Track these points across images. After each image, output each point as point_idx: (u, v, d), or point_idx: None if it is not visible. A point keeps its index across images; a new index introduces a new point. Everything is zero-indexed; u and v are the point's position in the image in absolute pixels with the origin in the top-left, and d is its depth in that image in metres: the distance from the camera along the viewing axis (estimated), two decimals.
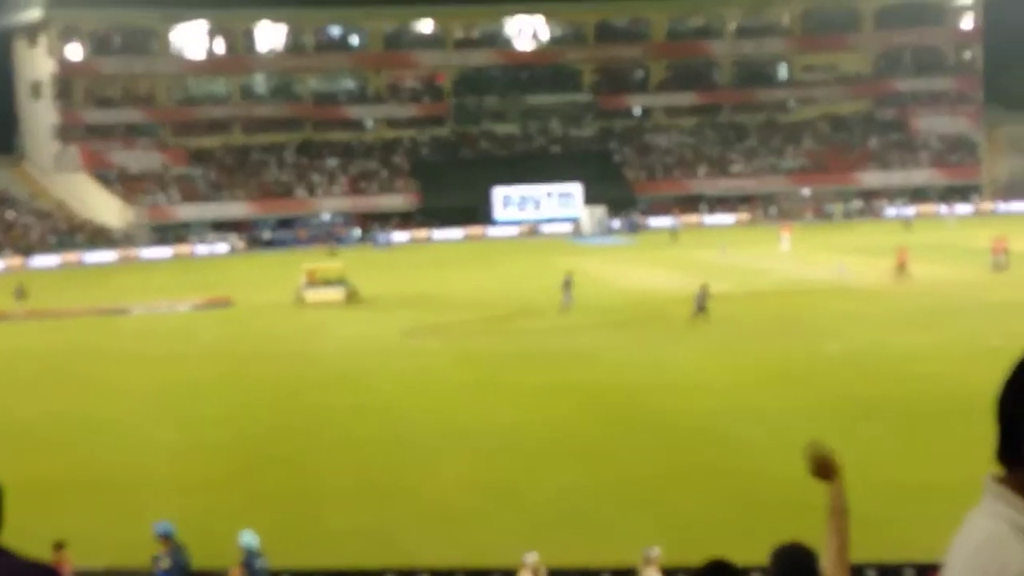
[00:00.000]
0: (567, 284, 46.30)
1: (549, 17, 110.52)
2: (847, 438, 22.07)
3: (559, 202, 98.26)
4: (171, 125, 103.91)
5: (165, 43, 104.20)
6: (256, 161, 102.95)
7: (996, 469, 2.42)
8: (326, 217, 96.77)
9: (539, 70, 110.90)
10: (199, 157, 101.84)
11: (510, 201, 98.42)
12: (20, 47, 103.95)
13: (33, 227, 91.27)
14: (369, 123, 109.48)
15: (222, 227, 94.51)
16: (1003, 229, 60.05)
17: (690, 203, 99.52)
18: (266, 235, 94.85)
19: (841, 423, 24.58)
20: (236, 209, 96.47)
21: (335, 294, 53.18)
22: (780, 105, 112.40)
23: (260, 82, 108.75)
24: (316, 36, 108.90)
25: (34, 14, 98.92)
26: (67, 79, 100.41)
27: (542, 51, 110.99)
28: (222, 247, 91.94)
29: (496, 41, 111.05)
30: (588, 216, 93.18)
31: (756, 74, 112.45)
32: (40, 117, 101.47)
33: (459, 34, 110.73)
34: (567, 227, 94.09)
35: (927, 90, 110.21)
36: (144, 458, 25.29)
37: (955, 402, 25.33)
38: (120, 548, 18.40)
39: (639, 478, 21.91)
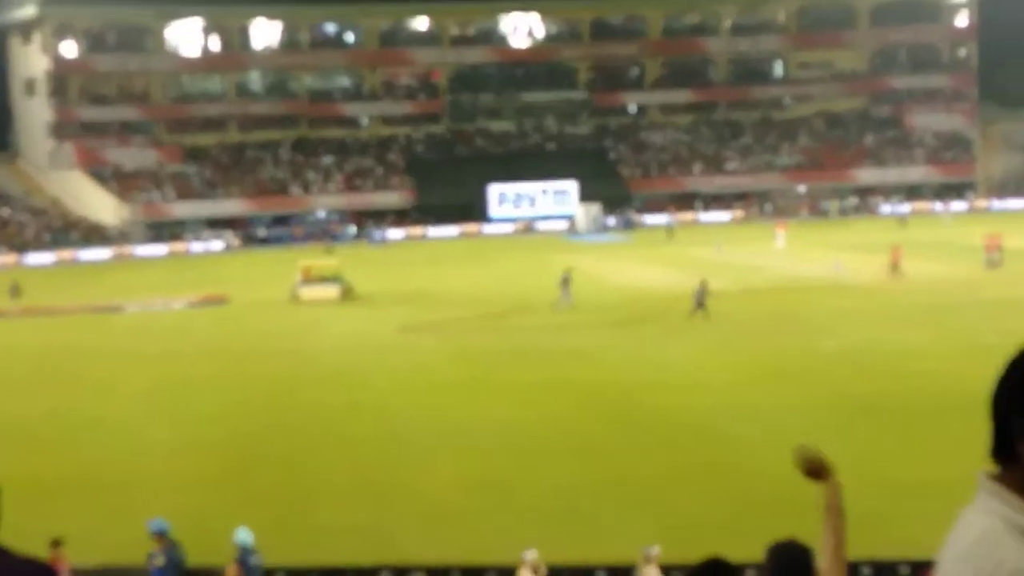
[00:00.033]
0: (565, 281, 46.23)
1: (544, 14, 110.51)
2: (843, 435, 22.12)
3: (554, 199, 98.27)
4: (166, 122, 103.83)
5: (160, 40, 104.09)
6: (251, 158, 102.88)
7: (990, 466, 2.42)
8: (321, 214, 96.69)
9: (535, 67, 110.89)
10: (194, 154, 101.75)
11: (505, 198, 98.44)
12: (15, 44, 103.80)
13: (28, 224, 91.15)
14: (364, 120, 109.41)
15: (217, 224, 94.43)
16: (997, 226, 60.14)
17: (685, 200, 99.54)
18: (261, 232, 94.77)
19: (837, 420, 24.61)
20: (231, 206, 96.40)
21: (330, 291, 53.14)
22: (776, 102, 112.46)
23: (255, 79, 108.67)
24: (311, 33, 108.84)
25: (29, 11, 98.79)
26: (62, 76, 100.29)
27: (538, 48, 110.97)
28: (217, 245, 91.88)
29: (492, 38, 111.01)
30: (583, 213, 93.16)
31: (752, 71, 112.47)
32: (35, 114, 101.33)
33: (455, 31, 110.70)
34: (562, 224, 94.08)
35: (922, 87, 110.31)
36: (139, 455, 25.28)
37: (950, 399, 25.35)
38: (115, 546, 18.39)
39: (635, 476, 21.92)
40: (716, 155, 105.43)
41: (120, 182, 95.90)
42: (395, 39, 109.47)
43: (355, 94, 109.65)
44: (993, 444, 2.41)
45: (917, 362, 31.25)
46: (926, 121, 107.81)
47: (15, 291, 54.97)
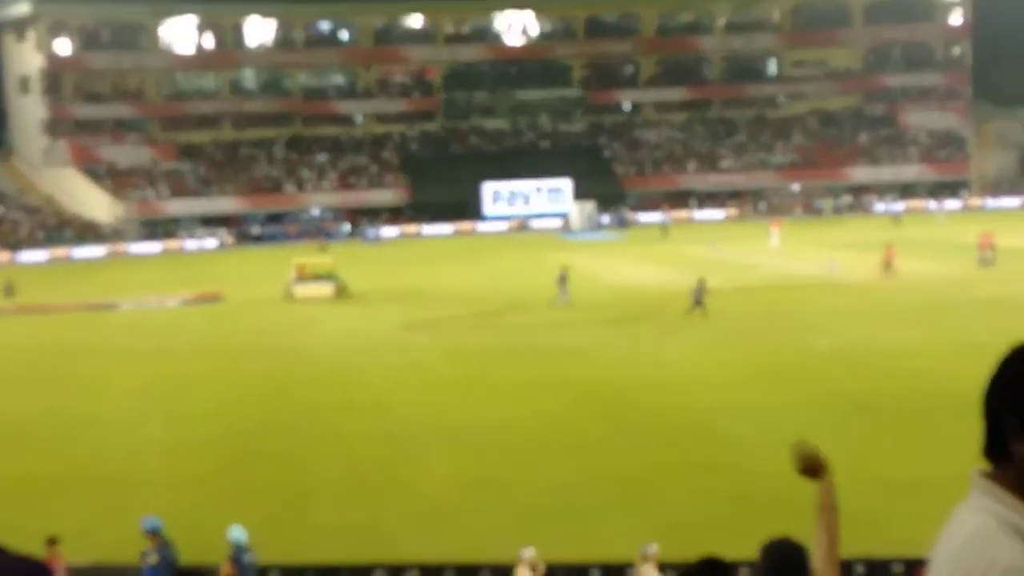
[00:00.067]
0: (562, 279, 46.19)
1: (539, 12, 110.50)
2: (837, 434, 22.13)
3: (548, 197, 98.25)
4: (160, 120, 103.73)
5: (154, 38, 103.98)
6: (245, 156, 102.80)
7: (983, 465, 2.43)
8: (315, 212, 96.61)
9: (529, 65, 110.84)
10: (188, 152, 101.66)
11: (499, 196, 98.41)
12: (8, 42, 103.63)
13: (21, 222, 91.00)
14: (359, 118, 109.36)
15: (211, 222, 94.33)
16: (991, 225, 60.23)
17: (680, 198, 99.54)
18: (255, 230, 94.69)
19: (831, 418, 24.64)
20: (225, 204, 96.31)
21: (324, 289, 53.12)
22: (770, 100, 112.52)
23: (249, 77, 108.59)
24: (306, 31, 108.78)
25: (22, 8, 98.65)
26: (56, 74, 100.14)
27: (532, 46, 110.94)
28: (211, 242, 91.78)
29: (486, 36, 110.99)
30: (577, 211, 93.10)
31: (746, 69, 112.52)
32: (28, 112, 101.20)
33: (449, 29, 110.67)
34: (557, 223, 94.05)
35: (916, 86, 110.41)
36: (132, 453, 25.26)
37: (943, 397, 25.39)
38: (108, 544, 18.37)
39: (630, 474, 21.93)
40: (710, 153, 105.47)
41: (114, 180, 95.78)
42: (389, 37, 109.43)
43: (349, 92, 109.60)
44: (986, 442, 2.42)
45: (910, 360, 31.30)
46: (920, 119, 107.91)
47: (9, 289, 54.93)
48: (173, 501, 20.44)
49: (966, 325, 36.11)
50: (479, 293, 51.72)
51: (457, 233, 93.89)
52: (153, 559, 15.34)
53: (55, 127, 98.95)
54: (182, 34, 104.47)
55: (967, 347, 31.10)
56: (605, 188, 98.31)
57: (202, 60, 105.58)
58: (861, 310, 41.45)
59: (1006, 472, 2.37)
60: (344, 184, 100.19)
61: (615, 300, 47.22)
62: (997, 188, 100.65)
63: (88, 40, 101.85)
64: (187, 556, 15.84)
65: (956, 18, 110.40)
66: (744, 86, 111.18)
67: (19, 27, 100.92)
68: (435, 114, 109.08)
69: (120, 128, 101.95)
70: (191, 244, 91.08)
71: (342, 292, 53.17)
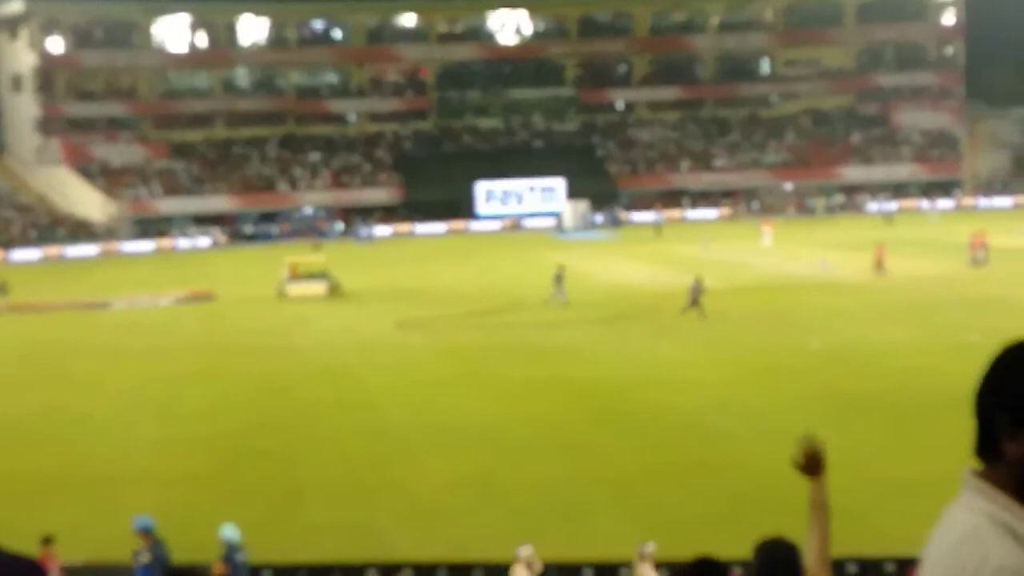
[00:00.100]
0: (558, 278, 46.13)
1: (532, 11, 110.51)
2: (829, 433, 22.09)
3: (542, 196, 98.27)
4: (153, 118, 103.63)
5: (147, 36, 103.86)
6: (238, 155, 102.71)
7: (975, 464, 2.44)
8: (308, 211, 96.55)
9: (522, 64, 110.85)
10: (181, 151, 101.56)
11: (493, 195, 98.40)
12: (1, 40, 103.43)
13: (14, 221, 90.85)
14: (352, 117, 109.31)
15: (204, 221, 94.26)
16: (983, 224, 60.32)
17: (673, 198, 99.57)
18: (248, 229, 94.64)
19: (823, 418, 24.62)
20: (218, 203, 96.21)
21: (317, 288, 53.09)
22: (763, 100, 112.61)
23: (242, 76, 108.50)
24: (299, 30, 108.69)
25: (15, 7, 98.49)
26: (48, 72, 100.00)
27: (525, 45, 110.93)
28: (204, 241, 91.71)
29: (479, 35, 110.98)
30: (571, 211, 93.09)
31: (739, 69, 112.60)
32: (21, 110, 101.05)
33: (442, 28, 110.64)
34: (550, 222, 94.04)
35: (909, 85, 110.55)
36: (124, 452, 25.23)
37: (934, 397, 25.43)
38: (100, 542, 18.35)
39: (624, 473, 21.93)
40: (703, 152, 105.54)
41: (107, 178, 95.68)
42: (382, 36, 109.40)
43: (342, 91, 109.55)
44: (977, 442, 2.43)
45: (902, 360, 31.34)
46: (913, 119, 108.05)
47: (1, 288, 54.83)
48: (165, 500, 20.42)
49: (957, 324, 36.15)
50: (472, 292, 51.70)
51: (450, 232, 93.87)
52: (145, 558, 15.33)
53: (48, 125, 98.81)
54: (175, 33, 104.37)
55: (958, 347, 31.16)
56: (598, 187, 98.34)
57: (195, 59, 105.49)
58: (853, 309, 41.49)
59: (998, 471, 2.38)
60: (337, 183, 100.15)
61: (609, 299, 47.22)
62: (990, 188, 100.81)
63: (81, 38, 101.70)
64: (179, 555, 15.82)
65: (949, 18, 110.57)
66: (737, 85, 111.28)
67: (12, 25, 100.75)
68: (428, 113, 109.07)
69: (113, 127, 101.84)
70: (184, 243, 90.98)
71: (335, 291, 53.14)
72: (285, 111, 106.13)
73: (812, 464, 4.70)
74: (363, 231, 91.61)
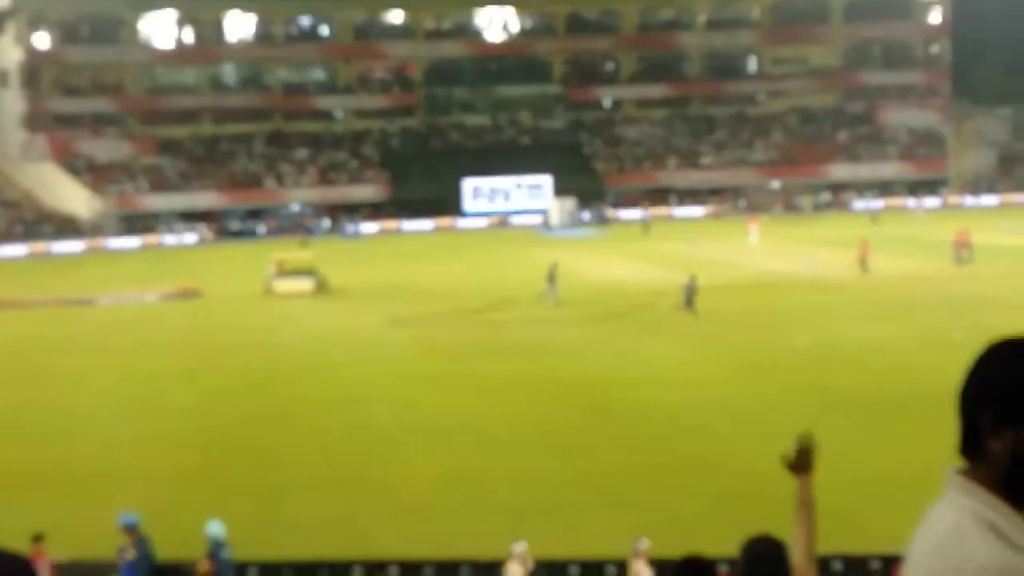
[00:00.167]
0: (551, 276, 46.03)
1: (519, 8, 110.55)
2: (815, 431, 22.13)
3: (529, 194, 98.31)
4: (139, 115, 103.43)
5: (134, 32, 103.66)
6: (225, 151, 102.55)
7: (959, 462, 2.44)
8: (295, 208, 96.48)
9: (509, 62, 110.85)
10: (168, 147, 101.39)
11: (480, 193, 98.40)
12: None
13: None
14: (339, 114, 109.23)
15: (191, 217, 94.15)
16: (969, 223, 60.49)
17: (659, 195, 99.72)
18: (235, 226, 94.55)
19: (809, 416, 24.65)
20: (205, 199, 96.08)
21: (304, 285, 53.05)
22: (750, 98, 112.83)
23: (229, 72, 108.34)
24: (286, 26, 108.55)
25: (1, 2, 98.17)
26: (35, 68, 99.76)
27: (512, 42, 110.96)
28: (191, 237, 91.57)
29: (466, 32, 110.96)
30: (557, 208, 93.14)
31: (726, 67, 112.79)
32: (7, 106, 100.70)
33: (429, 25, 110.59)
34: (537, 219, 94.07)
35: (896, 84, 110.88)
36: (109, 449, 25.16)
37: (920, 395, 25.49)
38: (85, 540, 18.29)
39: (612, 471, 21.93)
40: (690, 150, 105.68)
41: (93, 174, 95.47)
42: (370, 32, 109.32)
43: (329, 87, 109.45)
44: (962, 440, 2.44)
45: (886, 358, 31.41)
46: (899, 117, 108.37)
47: None
48: (151, 497, 20.36)
49: (942, 323, 36.24)
50: (459, 289, 51.68)
51: (437, 229, 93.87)
52: (130, 555, 15.29)
53: (34, 121, 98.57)
54: (162, 28, 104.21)
55: (942, 345, 31.25)
56: (585, 185, 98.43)
57: (182, 55, 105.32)
58: (839, 307, 41.56)
59: (982, 469, 2.39)
60: (324, 180, 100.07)
61: (596, 297, 47.22)
62: (976, 186, 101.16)
63: (67, 34, 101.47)
64: (164, 552, 15.79)
65: (935, 16, 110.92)
66: (724, 83, 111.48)
67: None
68: (415, 110, 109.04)
69: (99, 122, 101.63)
70: (170, 239, 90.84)
71: (322, 288, 53.10)
72: (272, 107, 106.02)
73: (802, 462, 4.71)
74: (350, 228, 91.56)
